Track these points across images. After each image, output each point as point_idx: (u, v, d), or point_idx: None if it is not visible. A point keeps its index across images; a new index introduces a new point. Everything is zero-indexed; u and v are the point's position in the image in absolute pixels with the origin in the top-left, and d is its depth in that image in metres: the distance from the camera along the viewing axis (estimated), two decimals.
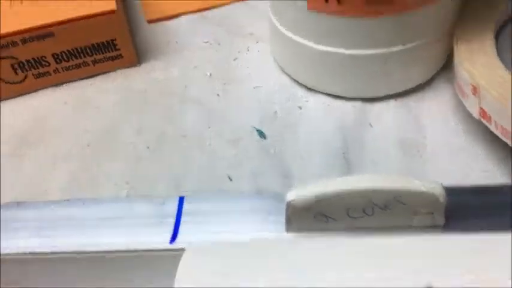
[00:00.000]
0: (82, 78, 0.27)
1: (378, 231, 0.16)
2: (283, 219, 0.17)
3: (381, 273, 0.13)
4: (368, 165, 0.22)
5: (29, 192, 0.22)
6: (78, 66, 0.27)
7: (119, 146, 0.24)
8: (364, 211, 0.16)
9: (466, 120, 0.23)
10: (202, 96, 0.26)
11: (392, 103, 0.24)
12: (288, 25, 0.24)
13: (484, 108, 0.20)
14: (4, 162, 0.24)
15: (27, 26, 0.25)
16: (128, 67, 0.28)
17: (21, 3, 0.27)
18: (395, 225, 0.16)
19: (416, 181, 0.15)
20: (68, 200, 0.19)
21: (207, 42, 0.29)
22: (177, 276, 0.13)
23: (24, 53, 0.25)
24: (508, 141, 0.19)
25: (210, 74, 0.27)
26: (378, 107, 0.24)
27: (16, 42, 0.25)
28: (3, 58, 0.25)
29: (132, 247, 0.17)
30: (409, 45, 0.22)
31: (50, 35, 0.25)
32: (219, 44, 0.29)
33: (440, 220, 0.16)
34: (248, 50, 0.28)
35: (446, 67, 0.25)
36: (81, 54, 0.26)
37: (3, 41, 0.25)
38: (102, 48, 0.27)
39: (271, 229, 0.17)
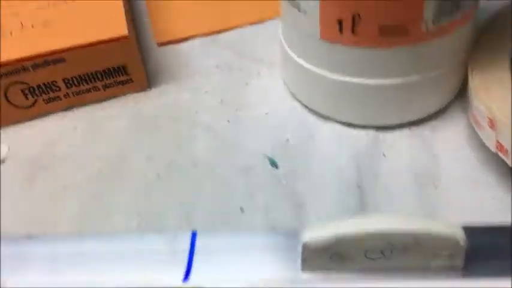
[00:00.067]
0: (92, 103, 0.27)
1: (395, 272, 0.16)
2: (297, 257, 0.17)
3: None
4: (382, 196, 0.22)
5: (38, 221, 0.22)
6: (88, 90, 0.27)
7: (129, 174, 0.24)
8: (382, 252, 0.16)
9: (481, 150, 0.22)
10: (213, 123, 0.25)
11: (405, 132, 0.24)
12: (299, 53, 0.24)
13: (501, 142, 0.20)
14: (13, 189, 0.23)
15: (38, 51, 0.25)
16: (138, 91, 0.28)
17: (32, 27, 0.27)
18: (413, 266, 0.16)
19: (436, 224, 0.15)
20: (78, 234, 0.19)
21: (218, 66, 0.29)
22: None
23: (34, 78, 0.25)
24: None
25: (221, 100, 0.26)
26: (391, 135, 0.24)
27: (27, 67, 0.25)
28: (14, 84, 0.25)
29: (144, 285, 0.17)
30: (423, 75, 0.22)
31: (61, 60, 0.25)
32: (230, 69, 0.28)
33: (460, 262, 0.16)
34: (259, 75, 0.28)
35: (459, 95, 0.25)
36: (92, 79, 0.26)
37: (14, 67, 0.25)
38: (113, 73, 0.26)
39: (286, 267, 0.17)
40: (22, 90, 0.26)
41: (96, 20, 0.27)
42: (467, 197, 0.22)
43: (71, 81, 0.26)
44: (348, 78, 0.22)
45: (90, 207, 0.22)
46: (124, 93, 0.28)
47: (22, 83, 0.25)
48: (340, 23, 0.21)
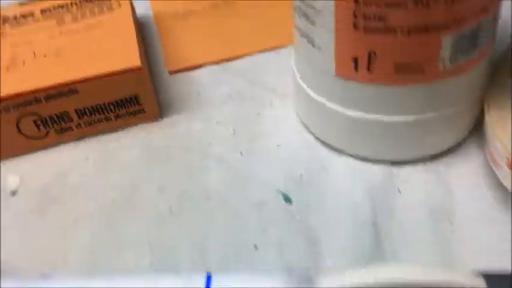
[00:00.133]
0: (104, 133, 0.27)
1: None
2: None
3: None
4: (397, 232, 0.21)
5: (48, 254, 0.22)
6: (100, 121, 0.27)
7: (141, 206, 0.24)
8: None
9: (498, 188, 0.22)
10: (226, 154, 0.25)
11: (420, 167, 0.23)
12: (313, 86, 0.24)
13: None
14: (24, 220, 0.23)
15: (51, 82, 0.25)
16: (150, 121, 0.28)
17: (45, 57, 0.27)
18: None
19: (456, 274, 0.15)
20: (89, 273, 0.19)
21: (230, 95, 0.29)
22: None
23: (47, 109, 0.25)
24: None
25: (234, 131, 0.26)
26: (406, 171, 0.23)
27: (40, 99, 0.25)
28: (27, 115, 0.25)
29: None
30: (439, 113, 0.22)
31: (74, 91, 0.25)
32: (241, 98, 0.28)
33: None
34: (271, 105, 0.28)
35: (475, 129, 0.24)
36: (104, 110, 0.26)
37: (26, 98, 0.25)
38: (125, 103, 0.26)
39: None
40: (34, 121, 0.25)
41: (109, 50, 0.27)
42: (483, 235, 0.21)
43: (83, 112, 0.26)
44: (362, 115, 0.22)
45: (101, 240, 0.22)
46: (136, 123, 0.27)
47: (35, 114, 0.25)
48: (355, 60, 0.21)
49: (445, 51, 0.20)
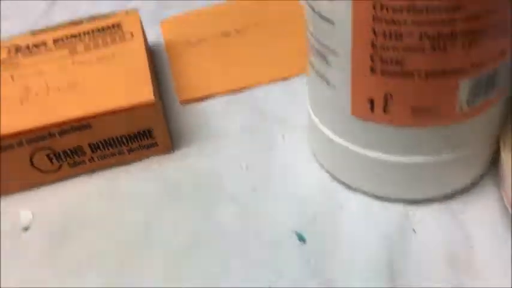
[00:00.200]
0: (116, 165, 0.27)
1: None
2: None
3: None
4: (413, 274, 0.21)
5: None
6: (113, 154, 0.27)
7: (154, 245, 0.23)
8: None
9: None
10: (239, 191, 0.25)
11: (436, 206, 0.23)
12: (328, 124, 0.23)
13: None
14: (36, 258, 0.23)
15: (65, 118, 0.25)
16: (162, 154, 0.27)
17: (58, 89, 0.27)
18: None
19: None
20: None
21: (241, 127, 0.29)
22: None
23: (61, 144, 0.25)
24: None
25: (246, 166, 0.26)
26: (421, 210, 0.23)
27: (54, 134, 0.25)
28: (40, 149, 0.25)
29: None
30: (455, 153, 0.22)
31: (88, 126, 0.25)
32: (253, 131, 0.28)
33: None
34: (284, 138, 0.28)
35: (491, 166, 0.24)
36: (117, 144, 0.26)
37: (40, 133, 0.25)
38: (139, 137, 0.26)
39: None
40: (47, 155, 0.25)
41: (122, 83, 0.27)
42: (501, 277, 0.21)
43: (96, 146, 0.26)
44: (378, 154, 0.22)
45: (114, 279, 0.22)
46: (148, 156, 0.27)
47: (48, 148, 0.25)
48: (371, 101, 0.21)
49: (463, 95, 0.20)
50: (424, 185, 0.23)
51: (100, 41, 0.30)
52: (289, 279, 0.21)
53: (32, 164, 0.26)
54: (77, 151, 0.26)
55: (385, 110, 0.21)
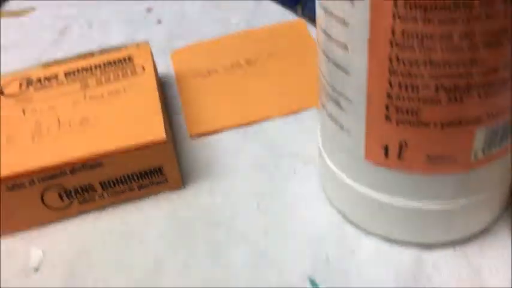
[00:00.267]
0: (126, 202, 0.27)
1: None
2: None
3: None
4: None
5: None
6: (123, 191, 0.26)
7: (163, 285, 0.23)
8: None
9: None
10: (250, 232, 0.25)
11: (450, 251, 0.23)
12: (340, 166, 0.23)
13: None
14: None
15: (77, 156, 0.25)
16: (172, 190, 0.27)
17: (70, 126, 0.27)
18: None
19: None
20: None
21: (252, 163, 0.28)
22: None
23: (72, 181, 0.25)
24: None
25: (257, 205, 0.26)
26: (435, 255, 0.23)
27: (65, 172, 0.25)
28: (51, 187, 0.25)
29: None
30: (469, 199, 0.22)
31: (99, 164, 0.25)
32: (264, 167, 0.28)
33: None
34: (295, 174, 0.28)
35: (506, 209, 0.24)
36: (128, 181, 0.26)
37: (52, 172, 0.25)
38: (149, 174, 0.26)
39: None
40: (59, 193, 0.25)
41: (133, 119, 0.27)
42: None
43: (107, 184, 0.26)
44: (391, 199, 0.22)
45: None
46: (158, 192, 0.27)
47: (59, 186, 0.25)
48: (386, 148, 0.21)
49: (478, 143, 0.20)
50: (438, 230, 0.23)
51: (111, 75, 0.30)
52: None
53: (42, 201, 0.25)
54: (87, 189, 0.26)
55: (399, 156, 0.21)
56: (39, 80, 0.31)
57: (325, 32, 0.20)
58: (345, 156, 0.23)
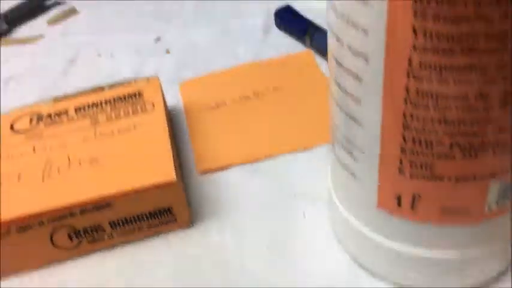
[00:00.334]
0: (134, 241, 0.27)
1: None
2: None
3: None
4: None
5: None
6: (132, 231, 0.26)
7: None
8: None
9: None
10: (260, 275, 0.25)
11: None
12: (352, 212, 0.23)
13: None
14: None
15: (87, 197, 0.25)
16: (181, 228, 0.27)
17: (80, 164, 0.27)
18: None
19: None
20: None
21: (262, 202, 0.28)
22: None
23: (81, 222, 0.25)
24: None
25: (267, 247, 0.26)
26: None
27: (75, 213, 0.25)
28: (60, 227, 0.25)
29: None
30: (482, 249, 0.21)
31: (109, 205, 0.25)
32: (273, 206, 0.28)
33: None
34: (304, 216, 0.27)
35: None
36: (137, 221, 0.26)
37: (62, 213, 0.25)
38: (159, 214, 0.26)
39: None
40: (68, 234, 0.25)
41: (143, 159, 0.27)
42: None
43: (116, 224, 0.26)
44: (403, 247, 0.22)
45: None
46: (167, 231, 0.27)
47: (69, 226, 0.25)
48: (398, 198, 0.20)
49: (492, 196, 0.20)
50: (450, 278, 0.22)
51: (121, 111, 0.30)
52: None
53: (51, 241, 0.25)
54: (97, 229, 0.26)
55: (412, 207, 0.20)
56: (49, 116, 0.31)
57: (338, 84, 0.20)
58: (356, 202, 0.23)
